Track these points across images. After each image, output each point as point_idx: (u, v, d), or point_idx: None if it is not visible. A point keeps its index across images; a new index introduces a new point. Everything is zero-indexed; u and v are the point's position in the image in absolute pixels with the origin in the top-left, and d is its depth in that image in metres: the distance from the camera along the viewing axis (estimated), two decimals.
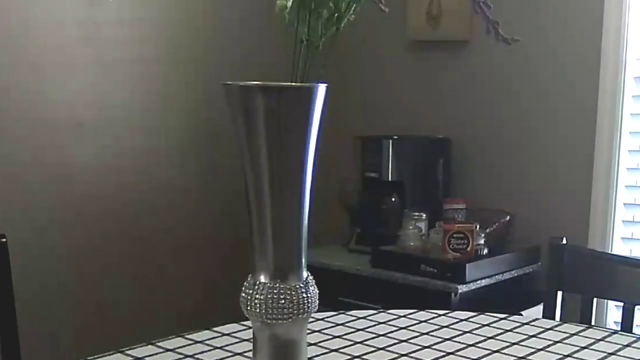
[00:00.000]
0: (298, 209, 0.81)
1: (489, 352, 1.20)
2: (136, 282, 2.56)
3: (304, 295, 0.82)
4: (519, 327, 1.35)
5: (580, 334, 1.31)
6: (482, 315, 1.41)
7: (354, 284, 2.41)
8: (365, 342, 1.24)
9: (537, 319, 1.40)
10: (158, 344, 1.20)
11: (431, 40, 2.77)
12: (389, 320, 1.36)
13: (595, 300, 1.58)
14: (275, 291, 0.81)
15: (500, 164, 2.65)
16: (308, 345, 0.92)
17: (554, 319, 1.56)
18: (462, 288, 2.19)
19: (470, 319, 1.38)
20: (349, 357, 1.17)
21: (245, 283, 0.83)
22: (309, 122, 0.79)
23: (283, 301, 0.81)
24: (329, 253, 2.55)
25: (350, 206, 2.64)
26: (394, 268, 2.33)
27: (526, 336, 1.29)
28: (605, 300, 2.33)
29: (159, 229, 2.62)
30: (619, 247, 2.43)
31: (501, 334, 1.30)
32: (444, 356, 1.18)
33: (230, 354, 1.17)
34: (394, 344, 1.23)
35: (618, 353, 1.21)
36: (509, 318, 1.40)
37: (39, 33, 2.25)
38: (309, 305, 0.82)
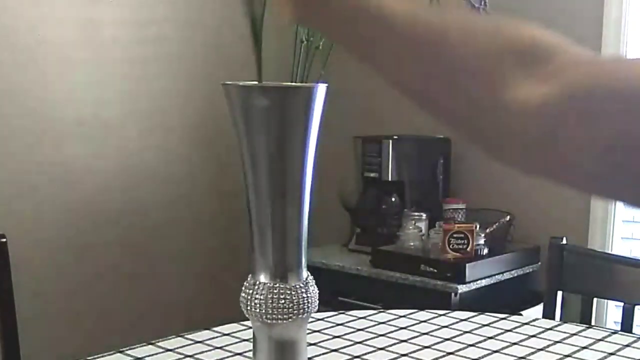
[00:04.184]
0: (298, 209, 0.81)
1: (489, 352, 1.20)
2: (136, 281, 2.56)
3: (304, 295, 0.82)
4: (519, 327, 1.34)
5: (580, 334, 1.31)
6: (482, 315, 1.41)
7: (354, 284, 2.41)
8: (365, 342, 1.24)
9: (537, 319, 1.40)
10: (158, 344, 1.20)
11: None
12: (389, 320, 1.36)
13: (595, 300, 1.58)
14: (275, 291, 0.81)
15: None
16: (308, 345, 0.92)
17: (554, 319, 1.55)
18: (462, 288, 2.19)
19: (470, 319, 1.38)
20: (349, 357, 1.17)
21: (245, 283, 0.83)
22: (309, 122, 0.79)
23: (283, 301, 0.81)
24: (329, 253, 2.55)
25: (350, 206, 2.64)
26: (394, 268, 2.33)
27: (526, 336, 1.29)
28: (605, 300, 2.33)
29: (159, 228, 2.62)
30: (619, 247, 2.43)
31: (501, 334, 1.30)
32: (444, 356, 1.18)
33: (230, 354, 1.17)
34: (394, 344, 1.23)
35: (618, 353, 1.21)
36: (509, 318, 1.40)
37: (39, 32, 2.25)
38: (309, 305, 0.82)
